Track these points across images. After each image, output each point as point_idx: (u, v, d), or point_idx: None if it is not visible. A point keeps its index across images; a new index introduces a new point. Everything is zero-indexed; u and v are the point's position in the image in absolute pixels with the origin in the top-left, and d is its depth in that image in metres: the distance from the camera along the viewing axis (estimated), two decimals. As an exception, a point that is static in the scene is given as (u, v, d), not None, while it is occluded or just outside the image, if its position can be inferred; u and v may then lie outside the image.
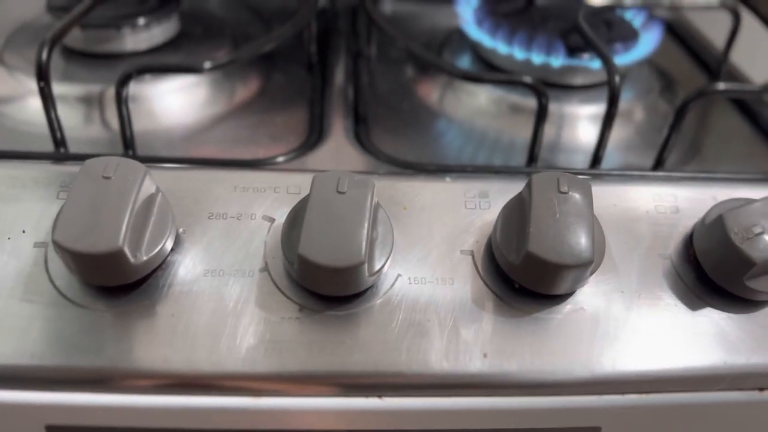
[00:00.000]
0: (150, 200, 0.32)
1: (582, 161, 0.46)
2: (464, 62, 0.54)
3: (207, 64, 0.41)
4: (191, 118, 0.48)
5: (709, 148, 0.49)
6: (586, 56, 0.49)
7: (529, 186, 0.33)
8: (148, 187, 0.32)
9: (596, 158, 0.43)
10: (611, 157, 0.47)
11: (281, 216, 0.34)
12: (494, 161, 0.46)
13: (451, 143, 0.47)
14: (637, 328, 0.33)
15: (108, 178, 0.31)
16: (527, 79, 0.40)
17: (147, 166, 0.37)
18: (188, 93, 0.50)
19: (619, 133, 0.49)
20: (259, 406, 0.31)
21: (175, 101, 0.49)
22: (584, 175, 0.41)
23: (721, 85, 0.43)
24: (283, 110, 0.50)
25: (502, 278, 0.34)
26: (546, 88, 0.47)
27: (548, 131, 0.48)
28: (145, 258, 0.31)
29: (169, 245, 0.32)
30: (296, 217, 0.32)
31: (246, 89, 0.52)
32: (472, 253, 0.35)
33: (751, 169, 0.46)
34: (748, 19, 0.55)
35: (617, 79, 0.41)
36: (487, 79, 0.46)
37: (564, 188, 0.32)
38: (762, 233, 0.32)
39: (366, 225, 0.30)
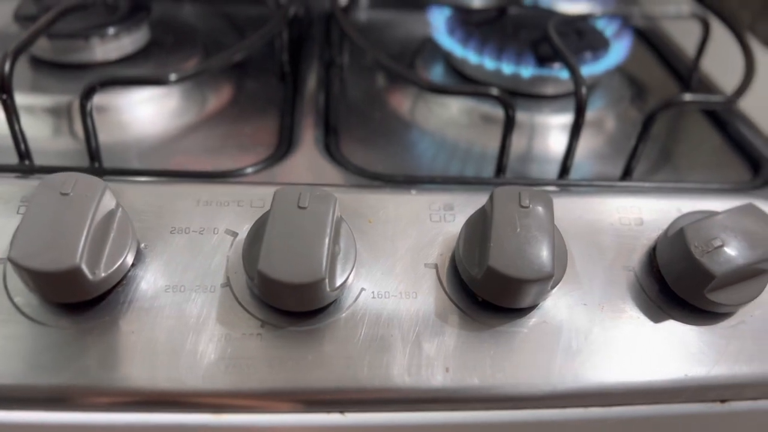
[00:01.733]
0: (109, 216, 0.31)
1: (553, 171, 0.46)
2: (436, 71, 0.54)
3: (173, 76, 0.40)
4: (161, 129, 0.48)
5: (678, 157, 0.50)
6: (556, 66, 0.49)
7: (491, 200, 0.33)
8: (108, 202, 0.31)
9: (564, 168, 0.43)
10: (581, 167, 0.47)
11: (244, 230, 0.34)
12: (466, 172, 0.46)
13: (423, 154, 0.47)
14: (600, 341, 0.33)
15: (66, 194, 0.30)
16: (494, 91, 0.40)
17: (111, 178, 0.37)
18: (158, 103, 0.49)
19: (589, 142, 0.50)
20: (220, 423, 0.31)
21: (144, 111, 0.49)
22: (550, 186, 0.41)
23: (688, 96, 0.43)
24: (254, 120, 0.50)
25: (466, 292, 0.34)
26: (514, 99, 0.47)
27: (519, 141, 0.48)
28: (103, 275, 0.30)
29: (129, 261, 0.32)
30: (257, 233, 0.32)
31: (217, 98, 0.52)
32: (436, 267, 0.35)
33: (719, 179, 0.46)
34: (719, 28, 0.55)
35: (584, 90, 0.41)
36: (454, 91, 0.46)
37: (525, 202, 0.32)
38: (722, 246, 0.32)
39: (327, 240, 0.30)
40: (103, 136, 0.46)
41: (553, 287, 0.32)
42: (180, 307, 0.32)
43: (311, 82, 0.53)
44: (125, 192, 0.35)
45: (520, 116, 0.49)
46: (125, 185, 0.36)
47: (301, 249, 0.30)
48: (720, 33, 0.56)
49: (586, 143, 0.49)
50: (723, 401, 0.33)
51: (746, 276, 0.33)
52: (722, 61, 0.57)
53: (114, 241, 0.31)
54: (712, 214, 0.34)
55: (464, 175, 0.45)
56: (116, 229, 0.32)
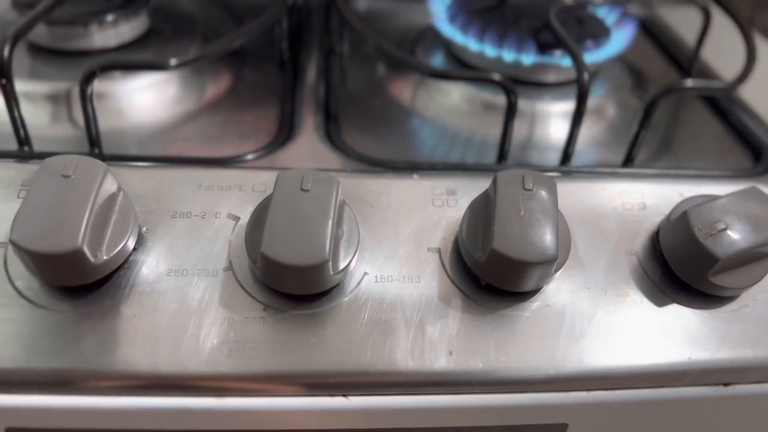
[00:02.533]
0: (111, 199, 0.31)
1: (554, 158, 0.46)
2: (437, 60, 0.54)
3: (173, 61, 0.40)
4: (161, 116, 0.48)
5: (679, 145, 0.49)
6: (557, 53, 0.49)
7: (494, 183, 0.33)
8: (109, 185, 0.31)
9: (566, 155, 0.43)
10: (582, 154, 0.47)
11: (246, 214, 0.34)
12: (467, 159, 0.46)
13: (424, 141, 0.47)
14: (603, 325, 0.33)
15: (67, 177, 0.30)
16: (496, 76, 0.40)
17: (111, 164, 0.37)
18: (158, 90, 0.49)
19: (590, 129, 0.50)
20: (223, 406, 0.31)
21: (144, 98, 0.48)
22: (552, 172, 0.41)
23: (689, 82, 0.43)
24: (254, 107, 0.50)
25: (469, 275, 0.34)
26: (516, 86, 0.47)
27: (520, 128, 0.48)
28: (105, 258, 0.30)
29: (131, 244, 0.32)
30: (260, 216, 0.31)
31: (217, 86, 0.52)
32: (439, 251, 0.34)
33: (720, 166, 0.46)
34: (719, 16, 0.55)
35: (586, 76, 0.41)
36: (455, 77, 0.45)
37: (529, 186, 0.32)
38: (725, 229, 0.32)
39: (330, 223, 0.30)
40: (102, 123, 0.45)
41: (556, 270, 0.32)
42: (182, 291, 0.32)
43: (311, 70, 0.53)
44: (126, 176, 0.35)
45: (522, 104, 0.49)
46: (126, 169, 0.36)
47: (304, 231, 0.29)
48: (720, 22, 0.56)
49: (588, 131, 0.49)
50: (726, 385, 0.33)
51: (750, 259, 0.33)
52: (722, 50, 0.57)
53: (116, 225, 0.31)
54: (715, 197, 0.34)
55: (466, 162, 0.44)
56: (118, 212, 0.32)
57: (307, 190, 0.31)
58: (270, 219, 0.30)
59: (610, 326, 0.33)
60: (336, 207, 0.31)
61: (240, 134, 0.47)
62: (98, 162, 0.31)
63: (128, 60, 0.46)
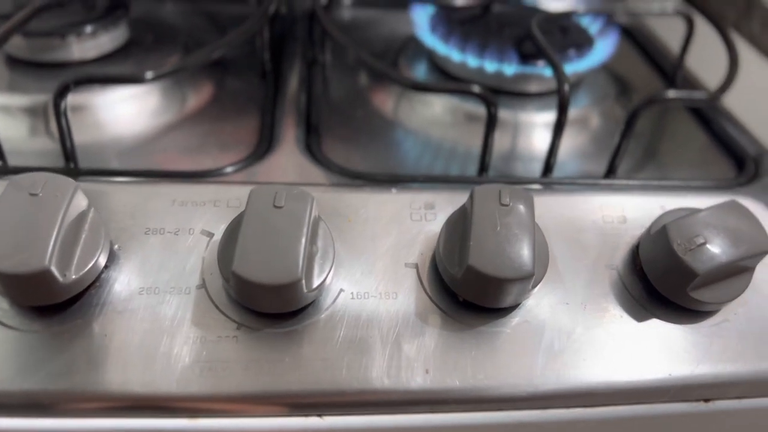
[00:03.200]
0: (81, 217, 0.31)
1: (537, 169, 0.46)
2: (420, 70, 0.54)
3: (149, 74, 0.40)
4: (140, 128, 0.47)
5: (662, 155, 0.49)
6: (539, 63, 0.48)
7: (471, 198, 0.32)
8: (79, 203, 0.31)
9: (547, 166, 0.43)
10: (565, 165, 0.47)
11: (220, 231, 0.34)
12: (450, 171, 0.45)
13: (406, 152, 0.47)
14: (582, 341, 0.32)
15: (35, 195, 0.30)
16: (476, 88, 0.40)
17: (85, 179, 0.36)
18: (138, 102, 0.49)
19: (574, 139, 0.49)
20: (196, 427, 0.30)
21: (124, 110, 0.48)
22: (533, 184, 0.41)
23: (671, 93, 0.43)
24: (235, 118, 0.49)
25: (447, 291, 0.33)
26: (498, 96, 0.47)
27: (503, 139, 0.48)
28: (75, 277, 0.30)
29: (102, 262, 0.32)
30: (232, 233, 0.31)
31: (198, 97, 0.52)
32: (416, 266, 0.34)
33: (703, 176, 0.46)
34: (703, 26, 0.55)
35: (567, 87, 0.40)
36: (436, 89, 0.45)
37: (505, 200, 0.32)
38: (704, 244, 0.32)
39: (303, 240, 0.29)
40: (81, 136, 0.45)
41: (534, 286, 0.32)
42: (154, 309, 0.31)
43: (293, 80, 0.52)
44: (99, 192, 0.34)
45: (504, 114, 0.49)
46: (99, 185, 0.35)
47: (277, 249, 0.29)
48: (704, 30, 0.55)
49: (571, 141, 0.49)
50: (707, 400, 0.33)
51: (729, 273, 0.33)
52: (707, 58, 0.57)
53: (85, 243, 0.31)
54: (695, 211, 0.34)
55: (446, 174, 0.44)
56: (88, 230, 0.31)
57: (280, 207, 0.30)
58: (242, 237, 0.29)
59: (590, 342, 0.33)
60: (310, 223, 0.30)
61: (220, 146, 0.46)
62: (67, 180, 0.30)
63: (103, 73, 0.46)
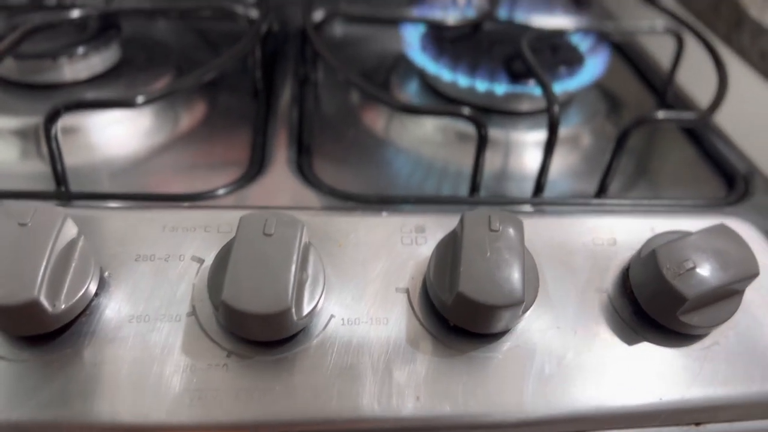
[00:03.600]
0: (70, 246, 0.31)
1: (529, 188, 0.46)
2: (411, 88, 0.54)
3: (140, 99, 0.40)
4: (132, 149, 0.47)
5: (654, 173, 0.49)
6: (530, 83, 0.49)
7: (461, 223, 0.32)
8: (68, 232, 0.31)
9: (538, 186, 0.43)
10: (557, 184, 0.47)
11: (211, 257, 0.34)
12: (442, 190, 0.45)
13: (397, 172, 0.47)
14: (573, 366, 0.33)
15: (24, 225, 0.30)
16: (465, 110, 0.40)
17: (75, 204, 0.36)
18: (130, 123, 0.49)
19: (565, 158, 0.49)
20: (186, 456, 0.30)
21: (116, 132, 0.48)
22: (525, 204, 0.41)
23: (660, 114, 0.43)
24: (227, 138, 0.49)
25: (438, 316, 0.33)
26: (489, 116, 0.47)
27: (495, 158, 0.48)
28: (64, 306, 0.30)
29: (92, 291, 0.31)
30: (222, 260, 0.31)
31: (191, 116, 0.52)
32: (407, 291, 0.34)
33: (695, 195, 0.46)
34: (694, 41, 0.55)
35: (557, 108, 0.41)
36: (425, 111, 0.45)
37: (495, 226, 0.32)
38: (693, 268, 0.32)
39: (293, 268, 0.29)
40: (73, 158, 0.45)
41: (524, 312, 0.32)
42: (144, 337, 0.31)
43: (285, 99, 0.52)
44: (89, 219, 0.34)
45: (495, 133, 0.49)
46: (89, 211, 0.35)
47: (267, 278, 0.29)
48: (696, 46, 0.56)
49: (562, 160, 0.49)
50: (698, 424, 0.33)
51: (719, 297, 0.33)
52: (698, 73, 0.57)
53: (75, 272, 0.31)
54: (684, 234, 0.34)
55: (437, 195, 0.44)
56: (78, 258, 0.31)
57: (270, 235, 0.30)
58: (231, 265, 0.29)
59: (580, 367, 0.33)
60: (300, 251, 0.30)
61: (213, 167, 0.46)
62: (56, 209, 0.30)
63: (93, 99, 0.45)
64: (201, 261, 0.34)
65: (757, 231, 0.38)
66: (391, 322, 0.33)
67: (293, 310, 0.29)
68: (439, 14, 0.60)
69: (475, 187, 0.43)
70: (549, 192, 0.45)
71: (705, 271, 0.32)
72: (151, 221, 0.35)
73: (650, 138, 0.53)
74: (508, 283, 0.30)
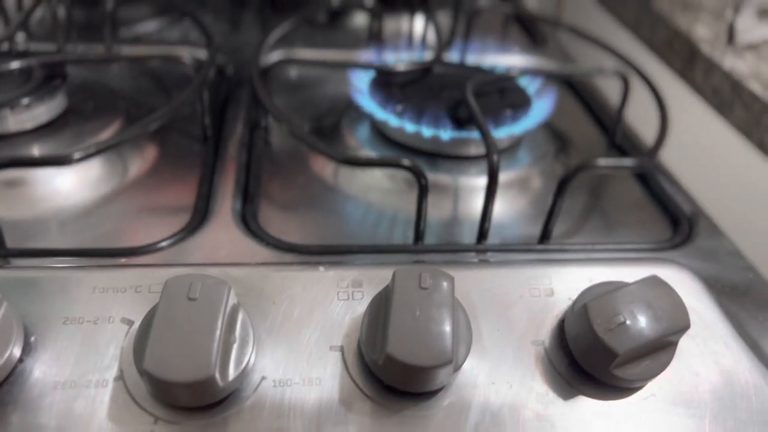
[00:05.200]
0: (-10, 313, 0.30)
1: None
2: (362, 132, 0.54)
3: (76, 155, 0.39)
4: (79, 200, 0.47)
5: (600, 214, 0.49)
6: (474, 128, 0.49)
7: (392, 281, 0.32)
8: (-12, 299, 0.30)
9: (481, 233, 0.43)
10: (504, 228, 0.47)
11: (141, 318, 0.33)
12: (392, 237, 0.45)
13: (346, 220, 0.47)
14: (508, 422, 0.32)
15: (-59, 293, 0.29)
16: (405, 161, 0.40)
17: (13, 260, 0.36)
18: (77, 173, 0.48)
19: (514, 201, 0.50)
20: None
21: (62, 183, 0.47)
22: (468, 252, 0.41)
23: (601, 161, 0.43)
24: (175, 186, 0.49)
25: (372, 375, 0.33)
26: (434, 163, 0.47)
27: (443, 204, 0.48)
28: (-18, 376, 0.29)
29: (15, 356, 0.31)
30: (147, 325, 0.30)
31: (141, 162, 0.51)
32: (342, 349, 0.34)
33: (639, 238, 0.46)
34: (640, 81, 0.56)
35: (495, 156, 0.41)
36: (366, 164, 0.45)
37: (426, 284, 0.32)
38: (624, 322, 0.32)
39: (217, 333, 0.29)
40: (15, 212, 0.45)
41: (456, 370, 0.32)
42: (68, 405, 0.31)
43: (234, 144, 0.52)
44: (17, 281, 0.34)
45: (443, 178, 0.49)
46: (17, 272, 0.35)
47: (189, 344, 0.29)
48: (641, 85, 0.56)
49: (510, 202, 0.49)
50: (635, 480, 0.33)
51: (653, 350, 0.33)
52: (648, 111, 0.58)
53: (-4, 339, 0.30)
54: (618, 286, 0.34)
55: (380, 244, 0.44)
56: (-1, 325, 0.30)
57: (194, 299, 0.30)
58: (154, 331, 0.29)
59: (515, 423, 0.32)
60: (225, 315, 0.30)
61: (159, 216, 0.46)
62: (-25, 277, 0.30)
63: (26, 158, 0.45)
64: (131, 323, 0.33)
65: (695, 278, 0.38)
66: (324, 382, 0.33)
67: (217, 375, 0.29)
68: (391, 56, 0.60)
69: (419, 235, 0.42)
70: (496, 236, 0.45)
71: (636, 325, 0.32)
72: (82, 282, 0.34)
73: (599, 177, 0.53)
74: (438, 343, 0.30)
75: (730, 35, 0.75)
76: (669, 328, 0.32)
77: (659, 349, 0.33)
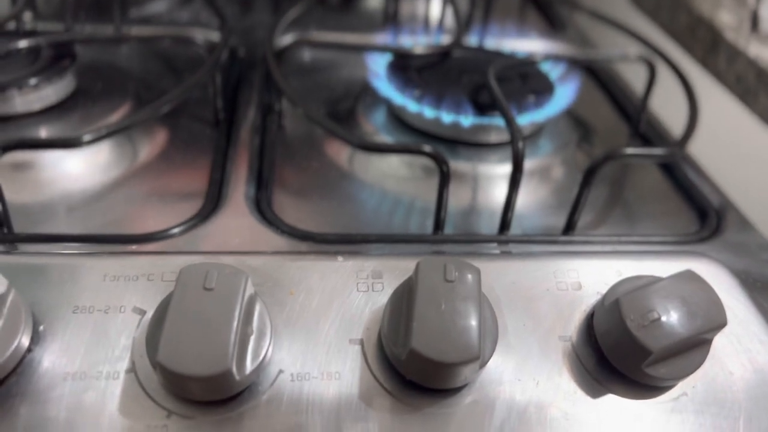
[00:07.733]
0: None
1: (497, 223, 0.44)
2: (378, 117, 0.52)
3: (86, 137, 0.38)
4: (88, 185, 0.45)
5: (625, 205, 0.48)
6: (497, 114, 0.47)
7: (416, 272, 0.31)
8: (-4, 286, 0.29)
9: (504, 224, 0.41)
10: (526, 218, 0.45)
11: (153, 307, 0.32)
12: (408, 226, 0.44)
13: (361, 208, 0.45)
14: (534, 420, 0.31)
15: (-54, 281, 0.28)
16: (427, 148, 0.38)
17: (19, 246, 0.35)
18: (86, 157, 0.47)
19: (535, 191, 0.48)
20: None
21: (71, 167, 0.46)
22: (490, 242, 0.40)
23: (629, 150, 0.42)
24: (186, 172, 0.47)
25: (393, 370, 0.31)
26: (456, 148, 0.46)
27: (462, 193, 0.47)
28: (-10, 366, 0.28)
29: (24, 345, 0.30)
30: (161, 315, 0.29)
31: (151, 147, 0.50)
32: (361, 342, 0.32)
33: (666, 229, 0.45)
34: (668, 68, 0.54)
35: (521, 144, 0.39)
36: (385, 149, 0.44)
37: (451, 276, 0.30)
38: (659, 319, 0.30)
39: (234, 325, 0.28)
40: (23, 196, 0.43)
41: (482, 366, 0.30)
42: (78, 397, 0.29)
43: (247, 128, 0.51)
44: (25, 268, 0.33)
45: (463, 166, 0.48)
46: (26, 258, 0.34)
47: (205, 336, 0.27)
48: (670, 72, 0.55)
49: (531, 192, 0.48)
50: (665, 481, 0.31)
51: (686, 348, 0.31)
52: (673, 99, 0.56)
53: (4, 329, 0.29)
54: (650, 281, 0.32)
55: (399, 233, 0.42)
56: (7, 314, 0.29)
57: (210, 289, 0.29)
58: (168, 323, 0.28)
59: (541, 421, 0.31)
60: (242, 306, 0.29)
61: (170, 202, 0.45)
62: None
63: (35, 140, 0.43)
64: (143, 313, 0.32)
65: (728, 273, 0.37)
66: (343, 377, 0.31)
67: (234, 369, 0.27)
68: (407, 40, 0.58)
69: (439, 225, 0.41)
70: (517, 227, 0.44)
71: (670, 321, 0.30)
72: (92, 270, 0.33)
73: (622, 167, 0.52)
74: (464, 338, 0.29)
75: (754, 23, 0.73)
76: (704, 325, 0.31)
77: (693, 347, 0.32)
